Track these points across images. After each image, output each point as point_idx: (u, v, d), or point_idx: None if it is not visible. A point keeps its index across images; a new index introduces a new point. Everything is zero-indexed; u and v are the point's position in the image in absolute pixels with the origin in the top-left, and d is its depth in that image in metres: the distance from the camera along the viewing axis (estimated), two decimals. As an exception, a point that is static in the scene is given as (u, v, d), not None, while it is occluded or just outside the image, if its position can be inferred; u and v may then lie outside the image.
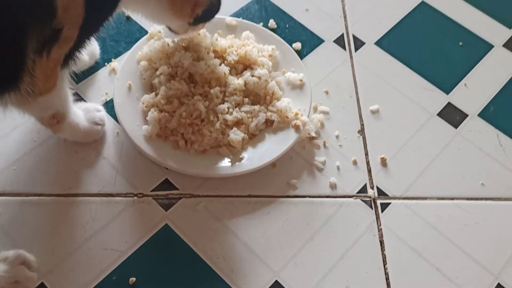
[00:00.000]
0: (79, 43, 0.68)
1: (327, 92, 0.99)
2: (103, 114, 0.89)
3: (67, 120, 0.81)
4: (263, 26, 1.05)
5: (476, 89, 1.02)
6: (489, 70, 1.05)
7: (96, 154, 0.87)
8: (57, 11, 0.59)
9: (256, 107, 0.90)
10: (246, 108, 0.89)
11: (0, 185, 0.83)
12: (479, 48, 1.08)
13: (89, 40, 0.71)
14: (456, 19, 1.12)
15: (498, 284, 0.81)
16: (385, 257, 0.82)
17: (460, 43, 1.08)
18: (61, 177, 0.85)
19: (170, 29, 0.92)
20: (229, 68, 0.92)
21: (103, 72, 0.97)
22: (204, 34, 0.95)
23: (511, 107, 1.00)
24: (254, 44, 0.98)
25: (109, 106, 0.92)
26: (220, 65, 0.92)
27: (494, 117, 0.98)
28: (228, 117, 0.87)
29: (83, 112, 0.86)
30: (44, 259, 0.76)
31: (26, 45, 0.59)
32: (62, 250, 0.78)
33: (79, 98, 0.93)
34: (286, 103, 0.91)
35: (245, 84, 0.91)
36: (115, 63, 0.98)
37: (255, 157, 0.86)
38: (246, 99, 0.90)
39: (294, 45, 1.03)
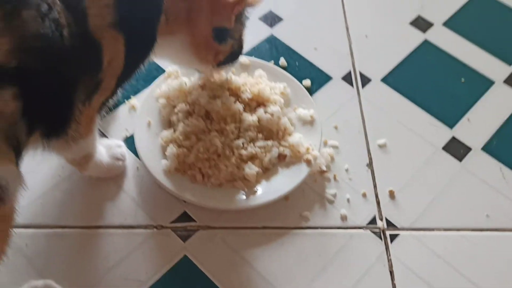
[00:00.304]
0: (114, 91, 0.73)
1: (336, 127, 1.03)
2: (124, 149, 0.93)
3: (93, 159, 0.85)
4: (274, 64, 1.10)
5: (479, 124, 1.06)
6: (491, 106, 1.09)
7: (118, 188, 0.91)
8: (103, 64, 0.65)
9: (270, 142, 0.93)
10: (260, 143, 0.93)
11: (27, 218, 0.86)
12: (481, 84, 1.12)
13: (122, 87, 0.76)
14: (458, 56, 1.16)
15: (505, 313, 0.84)
16: (395, 287, 0.85)
17: (462, 80, 1.13)
18: (84, 210, 0.88)
19: (197, 70, 0.97)
20: (243, 105, 0.96)
21: (123, 109, 1.02)
22: (220, 73, 1.00)
23: (513, 141, 1.04)
24: (267, 82, 1.02)
25: (129, 141, 0.96)
26: (235, 102, 0.96)
27: (497, 150, 1.02)
28: (243, 152, 0.91)
29: (105, 148, 0.90)
30: (70, 290, 0.80)
31: (76, 96, 0.64)
32: (86, 280, 0.81)
33: (100, 134, 0.97)
34: (298, 138, 0.95)
35: (259, 120, 0.95)
36: (134, 100, 1.03)
37: (269, 190, 0.90)
38: (260, 135, 0.94)
39: (303, 82, 1.08)
